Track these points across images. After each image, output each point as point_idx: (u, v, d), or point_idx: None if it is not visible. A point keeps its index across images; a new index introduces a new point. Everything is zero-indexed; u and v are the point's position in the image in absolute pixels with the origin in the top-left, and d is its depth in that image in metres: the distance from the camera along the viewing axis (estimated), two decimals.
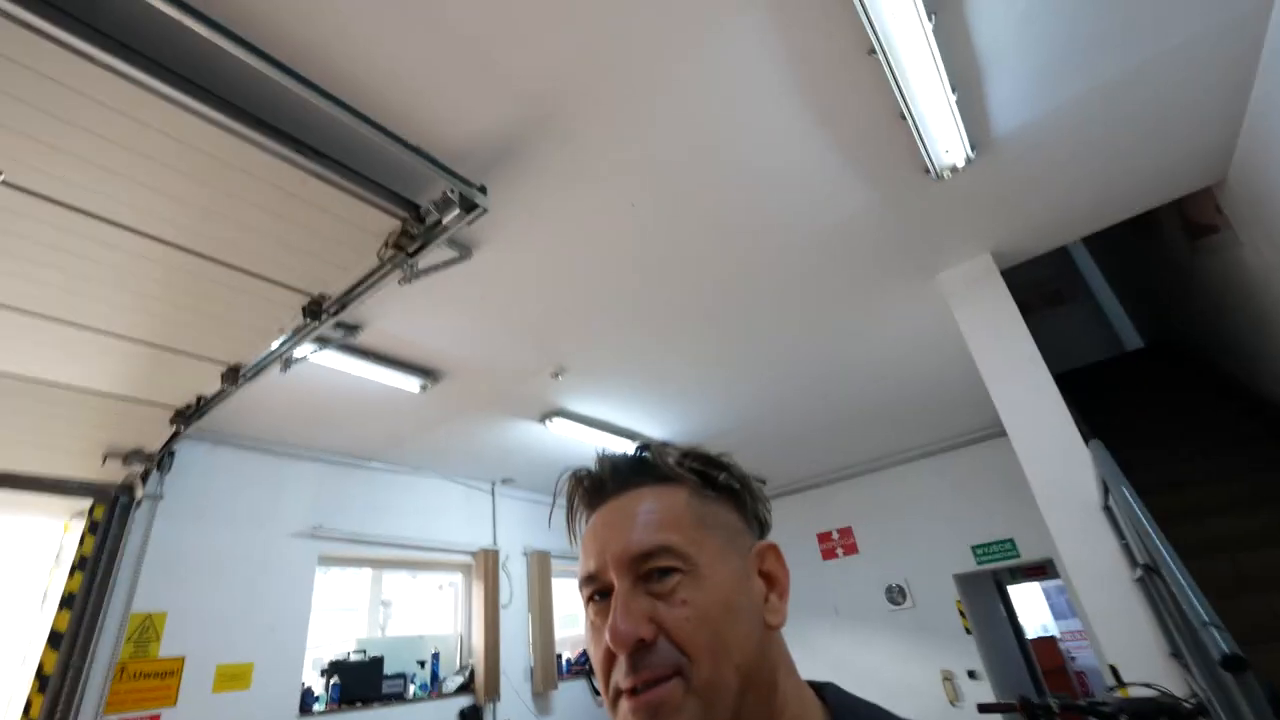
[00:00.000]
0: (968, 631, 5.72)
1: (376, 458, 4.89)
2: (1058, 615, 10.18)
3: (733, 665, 0.49)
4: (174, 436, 3.56)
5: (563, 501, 0.62)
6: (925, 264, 3.26)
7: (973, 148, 2.44)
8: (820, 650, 6.36)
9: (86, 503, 3.54)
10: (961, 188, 2.71)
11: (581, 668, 5.97)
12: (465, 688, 4.88)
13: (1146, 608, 2.32)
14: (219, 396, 3.31)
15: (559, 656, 5.72)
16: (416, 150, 2.18)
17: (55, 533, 3.67)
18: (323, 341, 3.18)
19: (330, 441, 4.50)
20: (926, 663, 5.79)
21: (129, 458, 3.51)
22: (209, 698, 3.55)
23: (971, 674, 5.60)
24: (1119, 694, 2.16)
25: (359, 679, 4.25)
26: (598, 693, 5.99)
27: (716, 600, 0.50)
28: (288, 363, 3.15)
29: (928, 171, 2.56)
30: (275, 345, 2.99)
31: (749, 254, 3.03)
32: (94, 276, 2.44)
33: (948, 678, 5.68)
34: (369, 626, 4.88)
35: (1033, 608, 10.20)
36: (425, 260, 2.57)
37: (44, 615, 3.28)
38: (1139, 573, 2.24)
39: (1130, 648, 2.31)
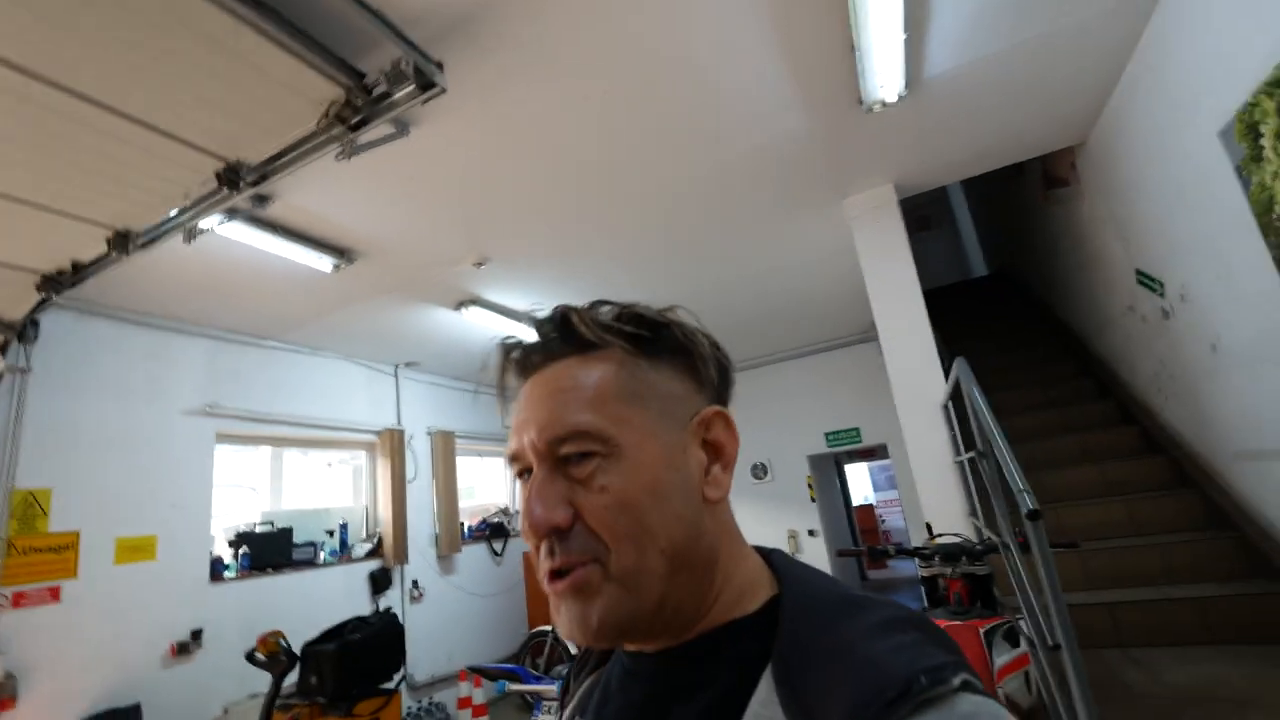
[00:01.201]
0: (813, 500, 6.92)
1: (274, 336, 4.65)
2: (877, 489, 12.37)
3: (657, 550, 0.46)
4: (39, 305, 3.18)
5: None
6: (836, 188, 3.59)
7: (906, 85, 2.68)
8: None
9: None
10: (884, 122, 2.97)
11: (482, 533, 6.46)
12: (373, 553, 5.14)
13: (958, 481, 3.08)
14: (101, 262, 2.97)
15: (461, 524, 6.13)
16: (371, 9, 2.00)
17: None
18: (231, 212, 2.92)
19: (225, 318, 4.20)
20: (778, 524, 6.98)
21: None
22: (112, 569, 3.50)
23: (811, 532, 6.88)
24: (932, 542, 2.92)
25: (269, 548, 4.35)
26: (497, 553, 6.56)
27: (639, 483, 0.47)
28: (192, 233, 2.88)
29: (860, 103, 2.79)
30: (176, 212, 2.72)
31: (685, 164, 3.16)
32: None
33: (793, 535, 6.91)
34: (271, 501, 4.89)
35: (859, 483, 12.28)
36: (365, 136, 2.43)
37: None
38: (961, 456, 2.94)
39: (943, 509, 3.08)
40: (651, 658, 0.51)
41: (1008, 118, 3.13)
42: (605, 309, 0.54)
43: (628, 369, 0.51)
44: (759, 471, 7.19)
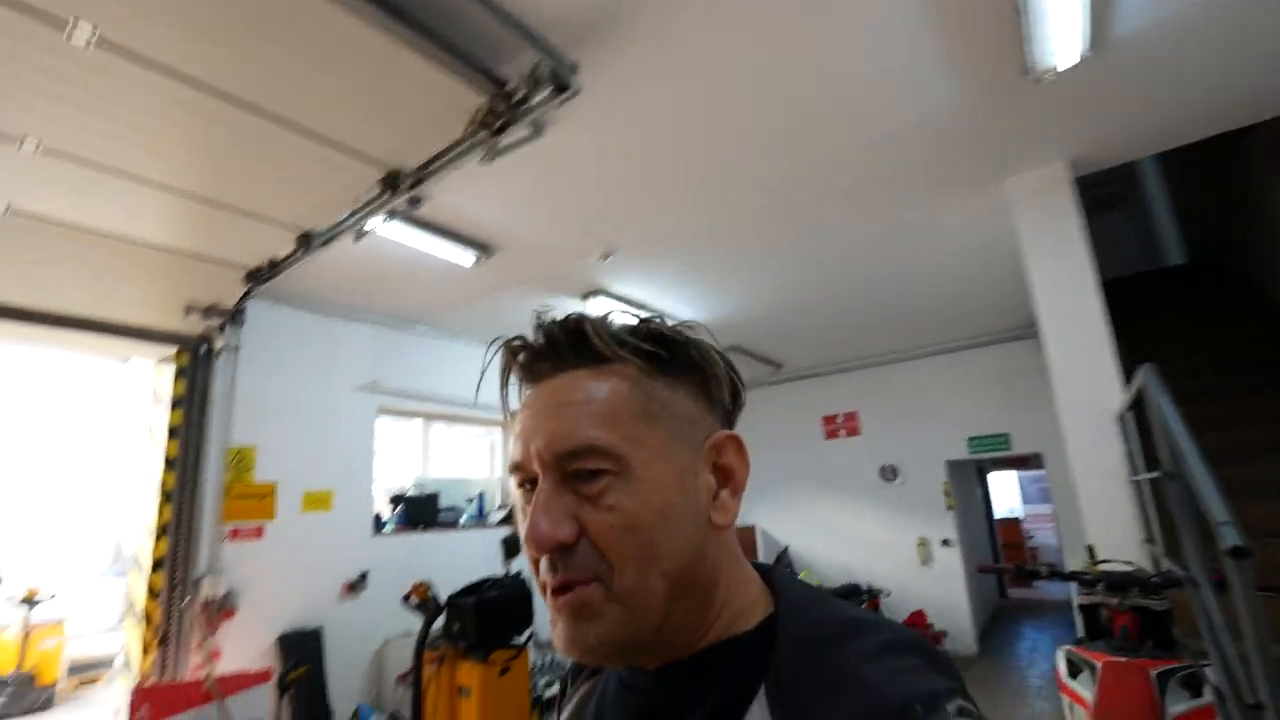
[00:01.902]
0: (949, 508, 6.39)
1: (423, 323, 5.15)
2: (1027, 501, 11.15)
3: (659, 572, 0.45)
4: (246, 294, 3.78)
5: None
6: (995, 168, 3.25)
7: (1089, 46, 2.33)
8: (811, 514, 7.14)
9: (171, 349, 3.84)
10: (1057, 91, 2.62)
11: None
12: (505, 521, 5.57)
13: (1133, 503, 2.70)
14: (290, 259, 3.46)
15: None
16: (512, 20, 2.10)
17: (148, 375, 4.03)
18: (391, 213, 3.26)
19: (383, 307, 4.74)
20: (906, 530, 6.54)
21: (207, 312, 3.74)
22: (299, 516, 4.13)
23: (945, 542, 6.35)
24: (1095, 568, 2.59)
25: (419, 508, 4.88)
26: None
27: (649, 505, 0.46)
28: (359, 233, 3.25)
29: (1026, 72, 2.48)
30: (346, 215, 3.09)
31: (824, 148, 3.02)
32: (174, 138, 2.46)
33: (922, 543, 6.45)
34: (422, 468, 5.46)
35: (1005, 493, 11.14)
36: (505, 140, 2.59)
37: (156, 444, 3.71)
38: (1140, 475, 2.57)
39: (1111, 532, 2.71)
40: (648, 673, 0.50)
41: (1226, 75, 2.61)
42: (620, 322, 0.52)
43: (642, 387, 0.49)
44: (888, 474, 6.77)
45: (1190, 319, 5.18)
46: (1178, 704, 1.88)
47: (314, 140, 2.54)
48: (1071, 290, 3.05)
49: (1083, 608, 2.23)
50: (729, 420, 0.55)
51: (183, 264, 3.36)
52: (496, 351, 0.54)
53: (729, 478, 0.51)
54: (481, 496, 5.53)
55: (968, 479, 7.91)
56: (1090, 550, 2.77)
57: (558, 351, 0.51)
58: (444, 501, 5.12)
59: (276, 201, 2.94)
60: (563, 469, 0.47)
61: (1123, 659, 2.00)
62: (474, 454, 6.13)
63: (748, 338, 6.13)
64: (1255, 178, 4.40)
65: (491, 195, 3.30)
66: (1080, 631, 2.36)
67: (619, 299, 4.75)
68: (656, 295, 4.80)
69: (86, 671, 6.37)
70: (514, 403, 0.54)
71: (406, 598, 3.70)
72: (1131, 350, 2.98)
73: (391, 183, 2.81)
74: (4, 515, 9.47)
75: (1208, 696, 1.86)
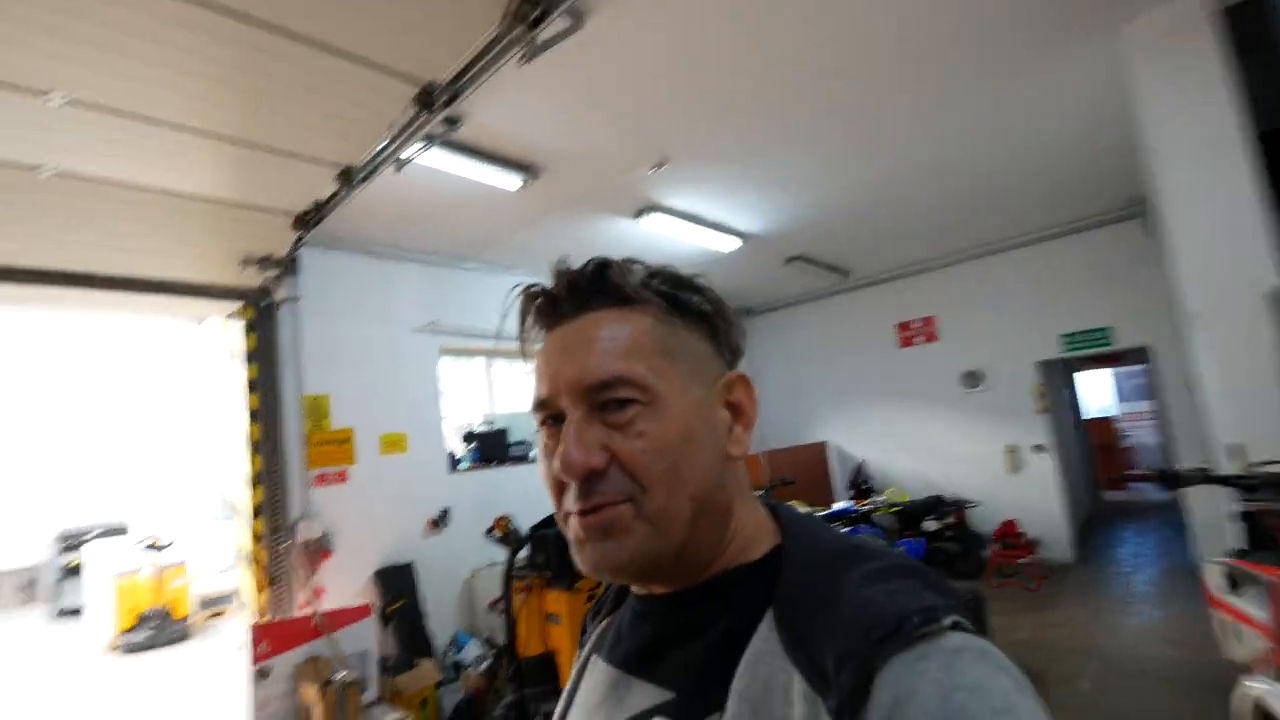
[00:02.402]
0: (1044, 411, 5.99)
1: (476, 258, 5.03)
2: (1122, 399, 10.44)
3: (687, 495, 0.49)
4: (297, 243, 3.73)
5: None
6: (1109, 13, 2.72)
7: None
8: (888, 427, 6.87)
9: (235, 305, 3.88)
10: None
11: None
12: None
13: None
14: (334, 200, 3.37)
15: None
16: None
17: (217, 332, 4.12)
18: (428, 139, 3.07)
19: (433, 244, 4.63)
20: (992, 438, 6.21)
21: (262, 263, 3.74)
22: (378, 459, 4.24)
23: (1038, 447, 5.99)
24: (1258, 469, 2.27)
25: (491, 444, 4.96)
26: None
27: (675, 432, 0.49)
28: (400, 163, 3.10)
29: None
30: (384, 144, 2.93)
31: (896, 16, 2.59)
32: (201, 72, 2.35)
33: (1011, 450, 6.11)
34: (489, 405, 5.52)
35: (1095, 392, 10.46)
36: (543, 34, 2.32)
37: (238, 398, 3.83)
38: None
39: (1263, 428, 2.36)
40: (661, 600, 0.54)
41: None
42: (638, 267, 0.55)
43: (663, 325, 0.53)
44: (970, 380, 6.37)
45: None
46: None
47: (342, 58, 2.37)
48: (1209, 150, 2.57)
49: (1244, 515, 1.95)
50: (733, 365, 0.58)
51: (231, 214, 3.32)
52: (517, 296, 0.56)
53: (740, 414, 0.55)
54: None
55: (1057, 380, 7.40)
56: (1240, 450, 2.44)
57: (580, 294, 0.53)
58: (513, 436, 5.18)
59: (313, 136, 2.83)
60: (592, 400, 0.50)
61: None
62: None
63: (812, 245, 5.73)
64: None
65: (533, 108, 3.04)
66: (1241, 542, 2.09)
67: (673, 212, 4.46)
68: (713, 206, 4.48)
69: (212, 606, 7.14)
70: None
71: (489, 531, 3.78)
72: None
73: (426, 100, 2.62)
74: (126, 471, 10.45)
75: None
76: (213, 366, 4.21)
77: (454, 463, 4.75)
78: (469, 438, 4.92)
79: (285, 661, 3.01)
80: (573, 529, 0.50)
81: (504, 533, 3.71)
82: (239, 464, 3.78)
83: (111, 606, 6.30)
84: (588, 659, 0.63)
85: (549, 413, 0.52)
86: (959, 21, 2.69)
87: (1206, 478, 2.07)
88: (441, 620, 4.28)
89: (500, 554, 3.82)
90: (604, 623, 0.65)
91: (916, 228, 5.51)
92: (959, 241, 6.06)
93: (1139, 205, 5.08)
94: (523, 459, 5.16)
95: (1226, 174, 2.53)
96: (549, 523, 3.73)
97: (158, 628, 6.28)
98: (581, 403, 0.50)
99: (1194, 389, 2.98)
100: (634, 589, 0.57)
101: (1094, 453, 9.10)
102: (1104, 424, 9.79)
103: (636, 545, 0.48)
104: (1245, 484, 1.92)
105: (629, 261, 0.55)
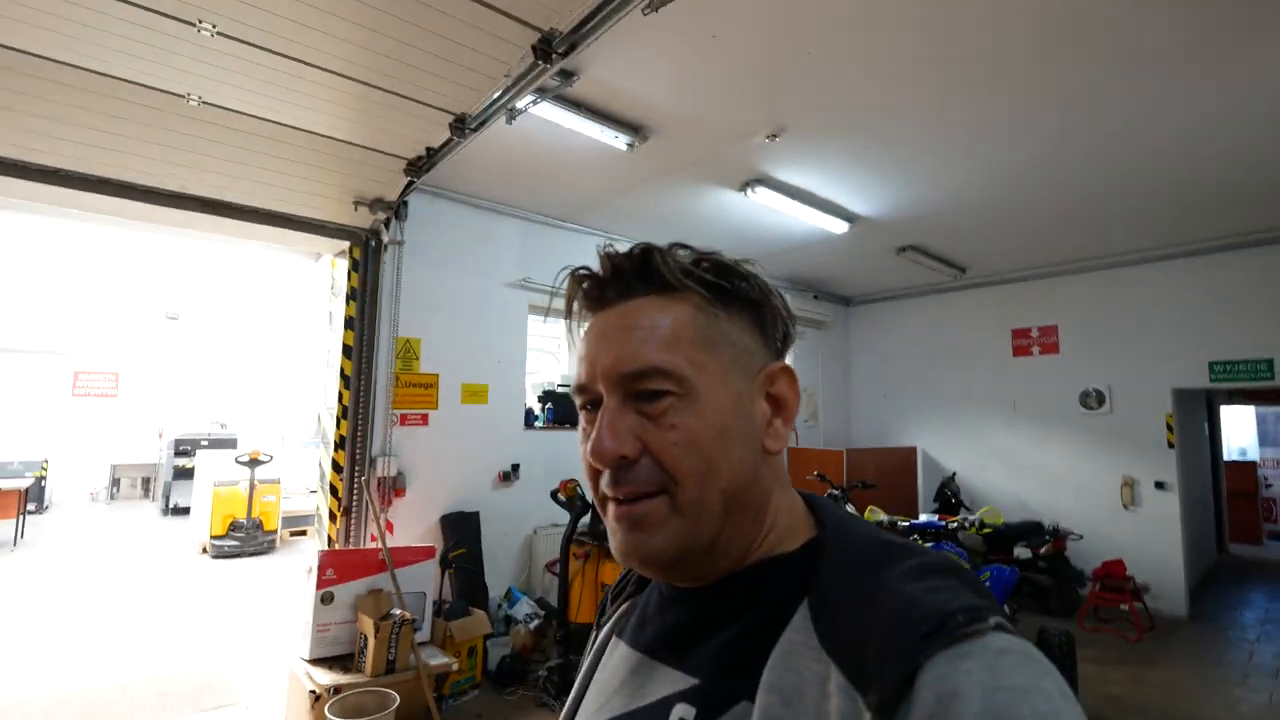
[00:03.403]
0: (1170, 445, 5.32)
1: (574, 220, 5.00)
2: (1265, 442, 9.18)
3: (718, 489, 0.48)
4: (408, 187, 3.82)
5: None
6: None
7: None
8: (987, 440, 6.36)
9: (344, 244, 4.05)
10: None
11: None
12: None
13: None
14: (446, 147, 3.40)
15: None
16: None
17: (321, 268, 4.32)
18: (541, 91, 3.01)
19: (535, 201, 4.62)
20: (1109, 468, 5.61)
21: (373, 205, 3.86)
22: (459, 407, 4.35)
23: (1160, 484, 5.35)
24: None
25: (567, 406, 4.97)
26: None
27: (709, 426, 0.48)
28: (512, 113, 3.06)
29: None
30: (498, 94, 2.90)
31: None
32: (344, 15, 2.39)
33: (1128, 484, 5.50)
34: (569, 367, 5.55)
35: (1236, 431, 9.25)
36: None
37: (335, 333, 4.02)
38: None
39: None
40: (692, 588, 0.53)
41: None
42: (684, 252, 0.54)
43: (705, 315, 0.52)
44: (1091, 400, 5.75)
45: None
46: None
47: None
48: None
49: None
50: (779, 355, 0.56)
51: (348, 154, 3.43)
52: (565, 279, 0.57)
53: (781, 407, 0.54)
54: None
55: (1194, 411, 6.56)
56: None
57: (623, 279, 0.53)
58: None
59: (432, 81, 2.84)
60: (627, 389, 0.50)
61: None
62: None
63: (927, 236, 5.28)
64: None
65: (650, 65, 2.91)
66: None
67: (781, 187, 4.21)
68: (825, 184, 4.19)
69: (298, 525, 7.74)
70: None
71: (555, 493, 3.80)
72: None
73: (545, 49, 2.54)
74: (242, 390, 11.47)
75: None
76: (318, 301, 4.44)
77: (529, 420, 4.81)
78: (545, 397, 4.96)
79: (348, 590, 3.14)
80: (608, 514, 0.51)
81: (569, 496, 3.72)
82: (330, 396, 3.98)
83: (209, 512, 6.92)
84: (607, 640, 0.63)
85: (588, 398, 0.53)
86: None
87: None
88: (499, 573, 4.39)
89: (564, 516, 3.84)
90: (625, 604, 0.65)
91: (1050, 226, 4.95)
92: (1095, 246, 5.41)
93: None
94: None
95: None
96: None
97: (246, 537, 6.87)
98: (617, 391, 0.50)
99: None
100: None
101: (1228, 499, 8.08)
102: (1244, 468, 8.65)
103: (667, 538, 0.48)
104: None
105: (676, 246, 0.54)
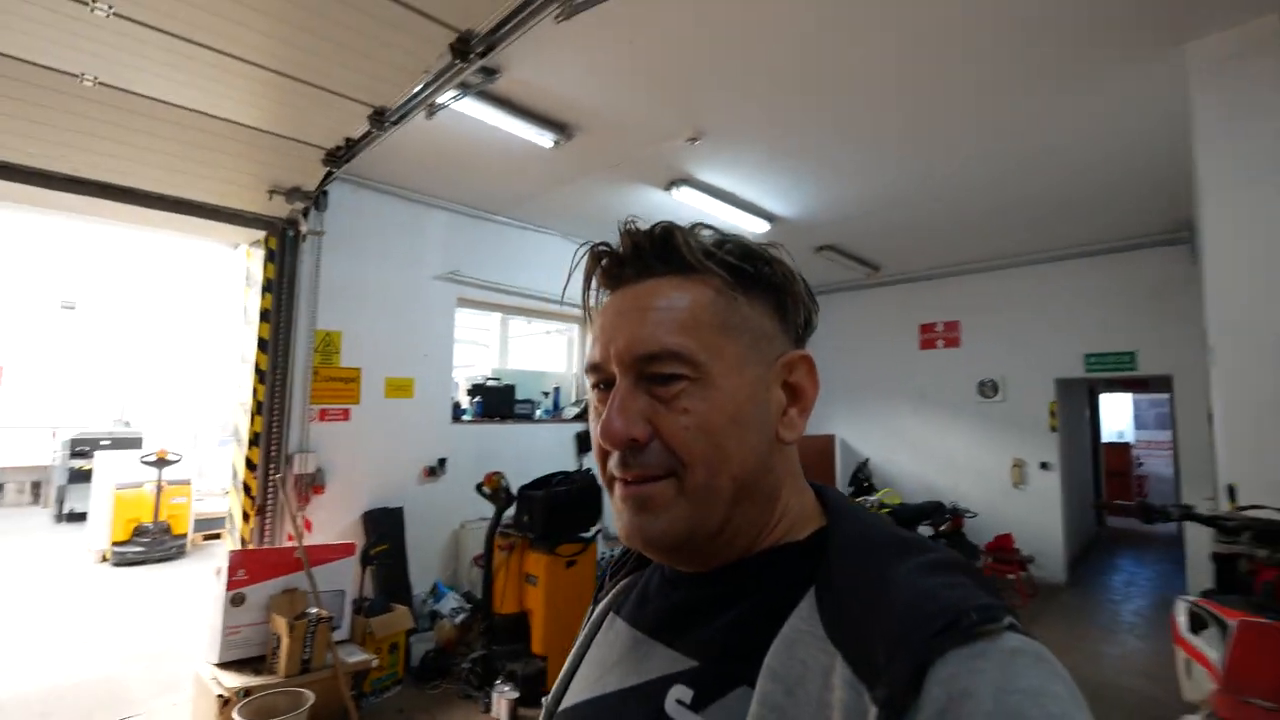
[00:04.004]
0: (1053, 429, 5.89)
1: (504, 213, 5.01)
2: (1139, 426, 10.22)
3: (729, 476, 0.47)
4: (327, 177, 3.74)
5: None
6: (1171, 31, 2.57)
7: None
8: (897, 427, 6.82)
9: (260, 234, 3.92)
10: None
11: None
12: (580, 417, 5.65)
13: None
14: (366, 139, 3.36)
15: None
16: None
17: (238, 258, 4.17)
18: (464, 87, 3.03)
19: (463, 194, 4.60)
20: (1001, 451, 6.15)
21: (290, 194, 3.75)
22: (383, 401, 4.31)
23: (1044, 465, 5.92)
24: (1241, 512, 2.23)
25: (496, 399, 5.01)
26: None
27: (722, 412, 0.48)
28: (432, 109, 3.07)
29: None
30: (419, 88, 2.91)
31: (945, 8, 2.47)
32: (252, 4, 2.34)
33: (1018, 464, 6.05)
34: (499, 360, 5.56)
35: (1115, 416, 10.25)
36: None
37: (250, 326, 3.89)
38: None
39: (1261, 472, 2.30)
40: (697, 572, 0.53)
41: None
42: (707, 233, 0.53)
43: (724, 299, 0.51)
44: (987, 389, 6.28)
45: None
46: None
47: None
48: (1253, 181, 2.45)
49: (1218, 556, 1.93)
50: (799, 342, 0.55)
51: (262, 142, 3.33)
52: (584, 255, 0.55)
53: (798, 396, 0.53)
54: (557, 391, 5.61)
55: (1077, 400, 7.25)
56: (1231, 491, 2.39)
57: (643, 258, 0.52)
58: (520, 394, 5.22)
59: (350, 75, 2.81)
60: (640, 371, 0.49)
61: (1265, 620, 1.73)
62: (552, 348, 6.18)
63: (844, 236, 5.61)
64: None
65: (571, 68, 2.98)
66: (1211, 582, 2.07)
67: (704, 188, 4.38)
68: (745, 185, 4.39)
69: (209, 528, 7.35)
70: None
71: (479, 486, 3.84)
72: None
73: (463, 49, 2.57)
74: (146, 386, 10.74)
75: None
76: (232, 293, 4.28)
77: (458, 413, 4.81)
78: (475, 390, 4.97)
79: (261, 590, 3.07)
80: (615, 494, 0.50)
81: (493, 489, 3.77)
82: (244, 391, 3.86)
83: (109, 516, 6.43)
84: (604, 615, 0.62)
85: (600, 377, 0.52)
86: (1027, 22, 2.56)
87: (1185, 516, 2.03)
88: (424, 569, 4.39)
89: (492, 511, 3.88)
90: (624, 580, 0.64)
91: (953, 230, 5.36)
92: (994, 249, 5.90)
93: (1186, 230, 4.89)
94: (527, 417, 5.21)
95: (1267, 209, 2.41)
96: (540, 484, 3.77)
97: (152, 543, 6.45)
98: (630, 372, 0.49)
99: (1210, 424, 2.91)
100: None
101: (1105, 478, 8.96)
102: (1120, 450, 9.62)
103: (672, 521, 0.48)
104: (1222, 525, 1.89)
105: (699, 226, 0.53)
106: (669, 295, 0.50)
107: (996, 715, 0.33)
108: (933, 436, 6.57)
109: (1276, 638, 1.70)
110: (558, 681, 0.61)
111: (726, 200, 4.55)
